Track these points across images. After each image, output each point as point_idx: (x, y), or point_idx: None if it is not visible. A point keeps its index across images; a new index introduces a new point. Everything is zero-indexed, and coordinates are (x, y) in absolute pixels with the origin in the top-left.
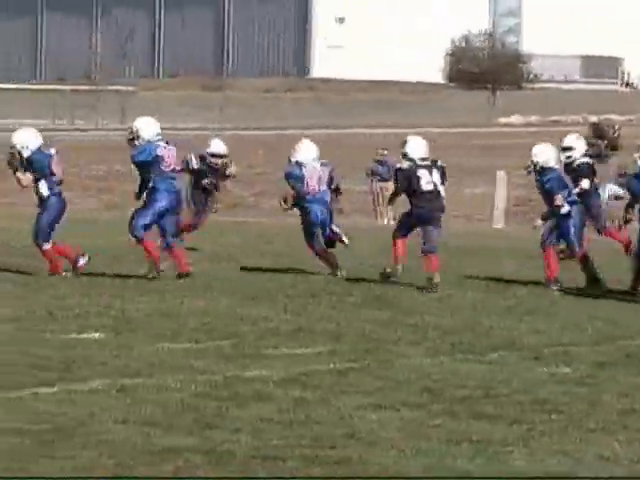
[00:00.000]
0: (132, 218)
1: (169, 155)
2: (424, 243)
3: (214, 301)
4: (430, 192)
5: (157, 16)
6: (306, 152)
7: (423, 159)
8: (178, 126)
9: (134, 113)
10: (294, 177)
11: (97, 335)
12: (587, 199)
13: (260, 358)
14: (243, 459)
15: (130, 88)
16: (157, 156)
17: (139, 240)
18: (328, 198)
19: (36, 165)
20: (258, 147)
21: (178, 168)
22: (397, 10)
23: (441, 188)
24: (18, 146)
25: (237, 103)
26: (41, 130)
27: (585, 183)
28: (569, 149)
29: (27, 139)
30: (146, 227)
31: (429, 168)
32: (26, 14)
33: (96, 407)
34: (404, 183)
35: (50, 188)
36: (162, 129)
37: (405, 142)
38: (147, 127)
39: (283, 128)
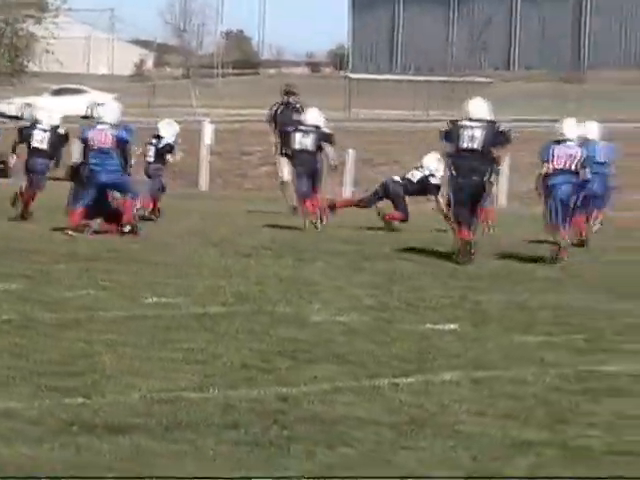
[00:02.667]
0: None
1: None
2: None
3: (568, 294)
4: None
5: (514, 7)
6: None
7: None
8: (531, 118)
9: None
10: None
11: (452, 326)
12: None
13: (617, 353)
14: (598, 455)
15: (485, 80)
16: None
17: None
18: None
19: None
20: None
21: None
22: None
23: None
24: None
25: (594, 96)
26: (399, 120)
27: None
28: None
29: None
30: None
31: None
32: (385, 6)
33: (450, 398)
34: None
35: None
36: (515, 120)
37: None
38: None
39: None
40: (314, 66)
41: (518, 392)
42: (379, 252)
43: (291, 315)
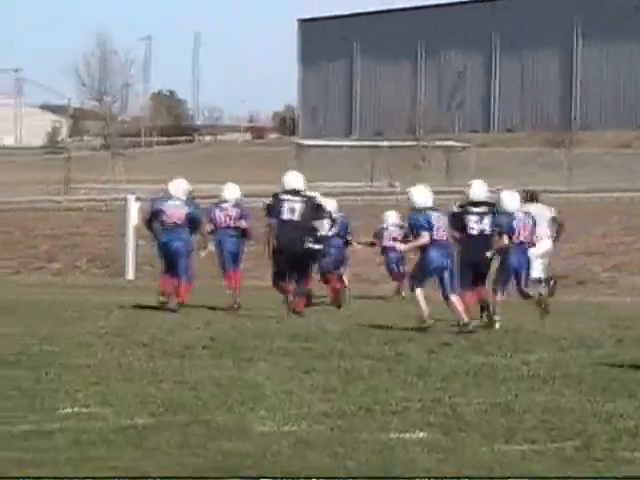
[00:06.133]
0: None
1: None
2: None
3: (558, 395)
4: None
5: (493, 60)
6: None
7: None
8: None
9: (461, 172)
10: None
11: (422, 435)
12: None
13: (613, 463)
14: None
15: (459, 144)
16: None
17: None
18: None
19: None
20: (612, 213)
21: None
22: None
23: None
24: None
25: (587, 160)
26: (357, 193)
27: None
28: None
29: None
30: None
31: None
32: (339, 58)
33: None
34: None
35: None
36: (494, 190)
37: None
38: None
39: None
40: (257, 131)
41: None
42: (332, 349)
43: (232, 425)
